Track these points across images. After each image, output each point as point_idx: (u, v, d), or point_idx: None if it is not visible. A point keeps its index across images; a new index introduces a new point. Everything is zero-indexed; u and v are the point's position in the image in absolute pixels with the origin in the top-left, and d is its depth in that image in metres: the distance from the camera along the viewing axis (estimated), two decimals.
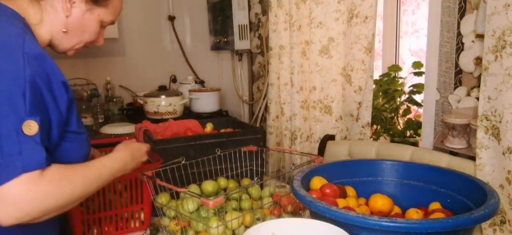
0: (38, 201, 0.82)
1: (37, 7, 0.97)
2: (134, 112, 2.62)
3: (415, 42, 2.04)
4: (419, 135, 1.80)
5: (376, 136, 1.93)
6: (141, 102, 2.54)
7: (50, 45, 1.02)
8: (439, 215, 0.98)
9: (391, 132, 1.89)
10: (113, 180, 1.02)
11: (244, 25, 2.66)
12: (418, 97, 1.83)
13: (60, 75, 0.89)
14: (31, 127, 0.81)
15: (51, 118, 0.87)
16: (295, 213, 1.27)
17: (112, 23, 1.08)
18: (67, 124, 0.93)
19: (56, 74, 0.88)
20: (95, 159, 1.01)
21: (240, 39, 2.66)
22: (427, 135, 1.60)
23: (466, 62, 1.44)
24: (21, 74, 0.82)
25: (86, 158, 1.02)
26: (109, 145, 1.53)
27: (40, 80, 0.84)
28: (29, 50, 0.85)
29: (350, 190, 1.17)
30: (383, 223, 0.81)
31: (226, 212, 1.17)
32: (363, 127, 1.85)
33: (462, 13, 1.44)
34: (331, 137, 1.88)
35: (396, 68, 1.94)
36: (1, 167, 0.78)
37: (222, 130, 1.67)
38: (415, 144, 1.75)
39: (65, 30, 0.99)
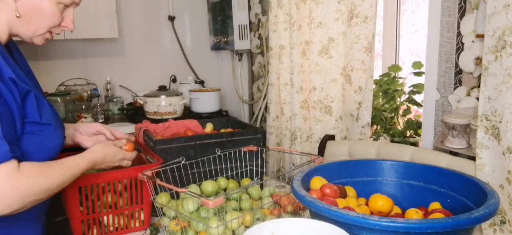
0: (18, 195, 0.87)
1: None
2: (134, 112, 2.62)
3: (415, 42, 2.04)
4: (419, 135, 1.80)
5: (376, 136, 1.93)
6: (141, 102, 2.54)
7: (12, 35, 1.01)
8: (439, 215, 0.98)
9: (391, 132, 1.89)
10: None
11: (244, 25, 2.66)
12: (418, 97, 1.83)
13: (7, 71, 0.89)
14: None
15: (12, 109, 0.89)
16: (295, 213, 1.27)
17: (75, 3, 1.04)
18: (25, 116, 0.94)
19: (4, 66, 0.89)
20: (68, 158, 1.04)
21: (240, 39, 2.66)
22: (427, 135, 1.60)
23: (466, 62, 1.44)
24: None
25: (55, 149, 1.04)
26: None
27: None
28: None
29: (350, 190, 1.17)
30: (383, 223, 0.81)
31: (226, 212, 1.17)
32: (363, 127, 1.85)
33: (462, 13, 1.44)
34: (331, 137, 1.88)
35: (396, 68, 1.94)
36: None
37: (222, 130, 1.67)
38: (415, 144, 1.75)
39: (18, 15, 0.95)
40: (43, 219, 1.13)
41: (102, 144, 1.16)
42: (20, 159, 0.90)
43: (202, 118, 2.08)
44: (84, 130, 1.29)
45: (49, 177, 0.94)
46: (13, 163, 0.86)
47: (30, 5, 0.96)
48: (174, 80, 2.99)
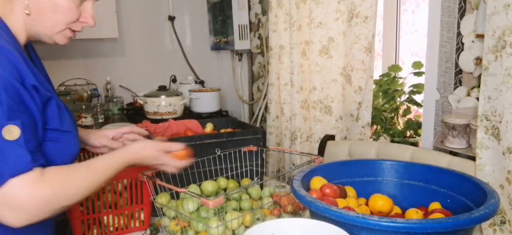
0: (41, 205, 0.83)
1: None
2: (134, 112, 2.62)
3: (415, 42, 2.04)
4: (419, 135, 1.80)
5: (376, 136, 1.93)
6: (141, 102, 2.54)
7: (31, 36, 0.96)
8: (439, 215, 0.98)
9: (391, 132, 1.89)
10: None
11: (244, 25, 2.66)
12: (418, 97, 1.83)
13: (30, 78, 0.85)
14: (12, 132, 0.79)
15: (35, 116, 0.86)
16: (295, 213, 1.27)
17: None
18: (46, 122, 0.91)
19: (25, 72, 0.85)
20: (100, 157, 1.00)
21: (240, 39, 2.66)
22: (427, 135, 1.60)
23: (466, 62, 1.44)
24: None
25: (73, 157, 1.00)
26: None
27: (14, 79, 0.81)
28: None
29: (350, 190, 1.17)
30: (383, 223, 0.81)
31: (226, 212, 1.17)
32: (363, 127, 1.85)
33: (462, 13, 1.44)
34: (331, 137, 1.88)
35: (396, 68, 1.94)
36: None
37: (222, 130, 1.67)
38: (415, 144, 1.75)
39: (27, 12, 0.91)
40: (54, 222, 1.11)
41: (143, 144, 1.08)
42: (45, 166, 0.86)
43: (202, 118, 2.08)
44: (97, 140, 1.24)
45: (75, 183, 0.90)
46: (35, 172, 0.82)
47: (44, 2, 0.91)
48: (174, 80, 2.99)
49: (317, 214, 0.90)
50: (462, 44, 1.45)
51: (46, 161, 0.89)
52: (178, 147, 1.10)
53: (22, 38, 0.94)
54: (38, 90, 0.86)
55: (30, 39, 0.98)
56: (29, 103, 0.84)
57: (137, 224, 1.31)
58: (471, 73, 1.44)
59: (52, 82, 1.10)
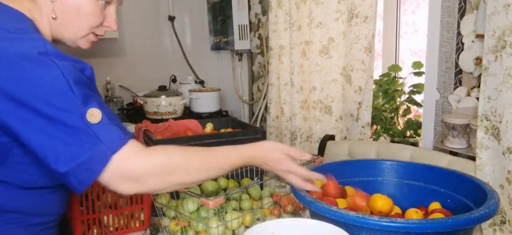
0: (152, 171, 0.84)
1: (32, 2, 0.91)
2: (134, 112, 2.62)
3: (415, 42, 2.04)
4: (419, 135, 1.80)
5: (376, 136, 1.93)
6: (141, 102, 2.54)
7: (56, 40, 0.97)
8: (439, 215, 0.98)
9: (391, 132, 1.89)
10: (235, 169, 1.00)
11: (244, 25, 2.66)
12: (418, 97, 1.83)
13: (88, 68, 0.90)
14: (94, 115, 0.81)
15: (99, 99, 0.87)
16: (295, 213, 1.27)
17: (117, 1, 1.01)
18: None
19: (84, 65, 0.89)
20: (222, 147, 0.98)
21: (240, 39, 2.66)
22: (427, 135, 1.60)
23: (466, 62, 1.44)
24: (57, 72, 0.80)
25: None
26: None
27: (76, 69, 0.84)
28: (51, 48, 0.83)
29: (350, 190, 1.17)
30: (383, 223, 0.81)
31: (226, 212, 1.17)
32: (363, 127, 1.85)
33: (462, 13, 1.44)
34: (331, 137, 1.88)
35: (396, 68, 1.94)
36: (94, 161, 0.79)
37: (222, 130, 1.67)
38: (415, 144, 1.75)
39: (54, 16, 0.92)
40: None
41: (271, 145, 1.04)
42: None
43: (202, 118, 2.08)
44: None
45: (186, 158, 0.89)
46: (133, 143, 0.83)
47: (67, 5, 0.91)
48: (174, 80, 2.99)
49: (317, 214, 0.91)
50: (462, 44, 1.45)
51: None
52: (316, 176, 1.05)
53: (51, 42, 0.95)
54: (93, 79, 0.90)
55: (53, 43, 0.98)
56: (93, 88, 0.88)
57: (137, 224, 1.31)
58: (471, 73, 1.44)
59: None
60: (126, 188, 0.83)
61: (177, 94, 2.52)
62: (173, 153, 0.88)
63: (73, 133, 0.79)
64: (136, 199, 1.29)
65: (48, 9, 0.91)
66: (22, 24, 0.87)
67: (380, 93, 1.94)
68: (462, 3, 1.43)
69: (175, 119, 1.92)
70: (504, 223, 1.25)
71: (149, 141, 1.47)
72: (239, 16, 2.64)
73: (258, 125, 2.69)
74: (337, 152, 1.76)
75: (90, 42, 0.99)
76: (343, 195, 1.14)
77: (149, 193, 0.84)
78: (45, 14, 0.92)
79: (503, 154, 1.20)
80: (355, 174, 1.21)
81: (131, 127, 2.24)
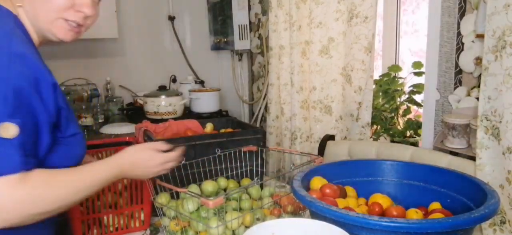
0: (20, 207, 0.81)
1: None
2: (134, 112, 2.62)
3: (415, 42, 2.04)
4: (419, 135, 1.80)
5: (376, 136, 1.93)
6: (141, 102, 2.54)
7: (41, 37, 0.96)
8: (439, 215, 0.98)
9: (391, 132, 1.89)
10: (108, 185, 0.99)
11: (244, 25, 2.66)
12: (418, 97, 1.83)
13: (49, 77, 0.86)
14: (8, 130, 0.78)
15: (39, 121, 0.84)
16: (295, 213, 1.27)
17: None
18: (62, 129, 0.91)
19: (45, 75, 0.85)
20: (88, 164, 0.96)
21: (240, 39, 2.66)
22: (427, 135, 1.60)
23: (466, 62, 1.44)
24: (4, 76, 0.79)
25: (82, 157, 1.00)
26: (109, 145, 1.53)
27: (26, 82, 0.82)
28: (16, 50, 0.82)
29: (350, 190, 1.17)
30: (383, 223, 0.81)
31: (226, 212, 1.17)
32: (363, 127, 1.85)
33: (462, 13, 1.44)
34: (331, 137, 1.88)
35: (396, 68, 1.94)
36: None
37: (222, 130, 1.67)
38: (415, 144, 1.75)
39: (19, 4, 0.90)
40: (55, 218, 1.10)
41: (136, 147, 1.04)
42: (34, 168, 0.85)
43: (202, 118, 2.08)
44: None
45: (58, 187, 0.87)
46: (19, 174, 0.80)
47: None
48: (174, 80, 2.99)
49: (317, 214, 0.90)
50: (462, 44, 1.45)
51: (50, 165, 0.88)
52: (166, 147, 1.07)
53: (34, 38, 0.94)
54: (56, 88, 0.87)
55: (42, 41, 0.97)
56: (37, 106, 0.83)
57: (137, 224, 1.31)
58: (471, 73, 1.44)
59: None
60: None
61: (177, 94, 2.52)
62: (44, 182, 0.84)
63: None
64: (136, 199, 1.29)
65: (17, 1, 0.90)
66: (5, 19, 0.88)
67: (380, 93, 1.94)
68: (462, 3, 1.43)
69: (175, 119, 1.92)
70: (504, 223, 1.25)
71: (149, 141, 1.47)
72: (239, 16, 2.64)
73: (258, 125, 2.69)
74: (337, 152, 1.76)
75: (67, 31, 0.94)
76: (343, 195, 1.14)
77: (8, 226, 0.80)
78: (21, 9, 0.91)
79: (503, 154, 1.20)
80: (355, 174, 1.21)
81: (131, 127, 2.25)
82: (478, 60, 1.39)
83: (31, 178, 0.82)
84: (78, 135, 0.97)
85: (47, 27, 0.93)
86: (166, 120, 1.78)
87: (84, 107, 2.39)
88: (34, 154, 0.85)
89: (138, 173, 1.03)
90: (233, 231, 1.17)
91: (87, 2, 0.94)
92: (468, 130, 1.40)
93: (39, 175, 0.84)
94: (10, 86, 0.79)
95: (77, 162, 0.98)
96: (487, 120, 1.25)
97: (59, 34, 0.94)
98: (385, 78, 1.93)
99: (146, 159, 1.03)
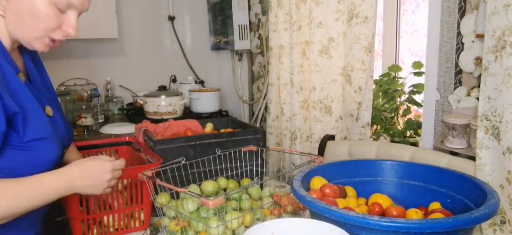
0: None
1: None
2: (134, 112, 2.62)
3: (415, 42, 2.04)
4: (419, 135, 1.80)
5: (376, 136, 1.93)
6: (141, 102, 2.54)
7: (16, 41, 0.97)
8: (439, 215, 0.98)
9: (391, 132, 1.89)
10: (58, 197, 0.96)
11: (244, 25, 2.66)
12: (418, 97, 1.83)
13: None
14: None
15: None
16: (295, 213, 1.27)
17: (73, 6, 0.95)
18: (19, 134, 0.90)
19: None
20: (37, 175, 0.93)
21: (240, 39, 2.66)
22: (427, 135, 1.60)
23: (466, 62, 1.44)
24: None
25: (54, 162, 0.99)
26: (109, 145, 1.53)
27: None
28: None
29: (350, 190, 1.17)
30: (383, 223, 0.81)
31: (226, 212, 1.17)
32: (363, 127, 1.85)
33: (462, 13, 1.44)
34: (331, 137, 1.88)
35: (396, 68, 1.94)
36: None
37: (222, 130, 1.67)
38: (415, 144, 1.75)
39: (2, 14, 0.91)
40: (38, 227, 1.10)
41: (85, 159, 1.02)
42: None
43: (202, 118, 2.08)
44: None
45: (3, 198, 0.85)
46: None
47: (22, 5, 0.90)
48: (174, 80, 2.99)
49: (317, 214, 0.90)
50: (462, 44, 1.45)
51: (10, 168, 0.88)
52: (112, 159, 1.06)
53: (6, 41, 0.94)
54: (2, 98, 0.85)
55: (14, 47, 0.98)
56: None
57: (137, 224, 1.31)
58: (471, 73, 1.44)
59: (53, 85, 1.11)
60: None
61: (177, 94, 2.52)
62: None
63: None
64: (136, 199, 1.29)
65: (2, 6, 0.91)
66: None
67: (380, 93, 1.94)
68: (462, 3, 1.43)
69: (175, 119, 1.92)
70: (504, 223, 1.25)
71: (149, 141, 1.47)
72: (239, 16, 2.64)
73: (258, 125, 2.69)
74: (337, 152, 1.76)
75: (46, 45, 0.96)
76: (343, 195, 1.14)
77: None
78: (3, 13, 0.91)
79: (503, 154, 1.20)
80: (355, 174, 1.21)
81: (131, 127, 2.25)
82: (478, 60, 1.39)
83: None
84: (44, 140, 0.94)
85: (28, 40, 0.95)
86: (166, 120, 1.78)
87: (84, 107, 2.39)
88: None
89: (88, 183, 1.00)
90: (233, 231, 1.17)
91: (73, 24, 0.96)
92: (468, 130, 1.40)
93: None
94: None
95: (47, 168, 0.96)
96: (487, 120, 1.25)
97: (39, 48, 0.97)
98: (385, 78, 1.93)
99: (96, 166, 1.01)
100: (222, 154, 1.40)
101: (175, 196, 1.23)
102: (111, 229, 1.27)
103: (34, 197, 0.90)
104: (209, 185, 1.30)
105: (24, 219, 0.95)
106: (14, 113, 0.89)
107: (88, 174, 0.99)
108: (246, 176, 1.48)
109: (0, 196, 0.85)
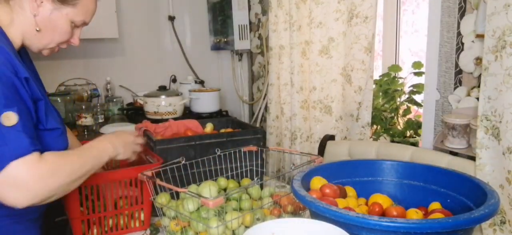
0: (41, 183, 0.90)
1: (7, 8, 1.01)
2: (134, 112, 2.62)
3: (415, 42, 2.04)
4: (419, 135, 1.80)
5: (376, 136, 1.93)
6: (141, 102, 2.54)
7: (24, 45, 1.06)
8: (439, 215, 0.98)
9: (391, 132, 1.89)
10: (106, 162, 1.11)
11: (244, 25, 2.66)
12: (418, 97, 1.83)
13: (22, 69, 0.93)
14: (9, 118, 0.87)
15: (29, 106, 0.94)
16: (295, 213, 1.27)
17: (85, 24, 1.11)
18: (42, 121, 0.99)
19: (19, 67, 0.93)
20: (81, 147, 1.10)
21: (240, 39, 2.66)
22: (427, 135, 1.60)
23: (466, 62, 1.44)
24: None
25: None
26: None
27: (9, 71, 0.89)
28: None
29: (350, 190, 1.17)
30: (383, 223, 0.81)
31: (226, 212, 1.17)
32: (363, 127, 1.85)
33: (462, 13, 1.44)
34: (331, 137, 1.88)
35: (396, 68, 1.94)
36: None
37: (222, 130, 1.67)
38: (415, 144, 1.75)
39: (38, 29, 1.02)
40: (41, 221, 1.16)
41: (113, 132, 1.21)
42: (42, 151, 0.93)
43: (202, 118, 2.08)
44: None
45: (71, 160, 0.99)
46: (34, 155, 0.89)
47: (47, 21, 1.03)
48: (174, 80, 2.99)
49: (317, 214, 0.90)
50: (462, 44, 1.45)
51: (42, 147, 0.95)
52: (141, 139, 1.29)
53: (16, 44, 1.04)
54: (29, 82, 0.94)
55: (22, 46, 1.07)
56: (23, 93, 0.92)
57: (137, 224, 1.31)
58: (471, 73, 1.44)
59: (45, 86, 1.20)
60: (12, 197, 0.88)
61: (177, 94, 2.51)
62: (57, 158, 0.95)
63: None
64: (136, 199, 1.29)
65: (29, 21, 1.01)
66: None
67: (380, 93, 1.94)
68: (462, 3, 1.43)
69: (175, 119, 1.92)
70: (504, 223, 1.25)
71: (149, 141, 1.47)
72: (239, 16, 2.64)
73: (258, 125, 2.69)
74: (337, 152, 1.76)
75: (51, 52, 1.11)
76: (343, 195, 1.14)
77: (37, 201, 0.91)
78: (20, 23, 1.01)
79: (503, 154, 1.20)
80: (355, 174, 1.21)
81: (131, 127, 2.25)
82: (478, 60, 1.39)
83: (45, 155, 0.92)
84: (59, 130, 1.05)
85: (42, 47, 1.07)
86: (166, 120, 1.78)
87: (84, 107, 2.39)
88: (36, 136, 0.94)
89: (120, 141, 1.17)
90: (233, 231, 1.17)
91: (78, 35, 1.12)
92: (468, 130, 1.40)
93: (51, 153, 0.95)
94: (1, 79, 0.87)
95: None
96: (487, 120, 1.25)
97: (46, 54, 1.11)
98: (385, 78, 1.93)
99: (121, 131, 1.23)
100: (222, 154, 1.40)
101: (175, 196, 1.23)
102: (111, 229, 1.27)
103: (91, 161, 1.05)
104: (209, 185, 1.30)
105: (31, 212, 1.05)
106: (39, 99, 0.98)
107: (119, 134, 1.19)
108: (246, 176, 1.48)
109: (69, 161, 0.99)
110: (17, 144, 0.87)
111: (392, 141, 1.85)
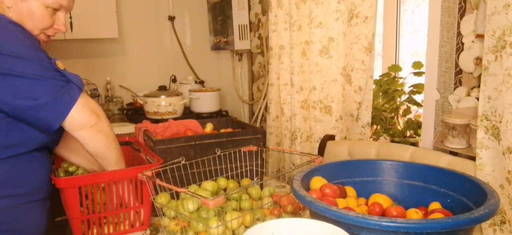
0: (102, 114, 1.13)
1: None
2: (134, 112, 2.62)
3: (415, 42, 2.04)
4: (419, 135, 1.80)
5: (376, 136, 1.93)
6: (141, 102, 2.54)
7: None
8: (439, 215, 0.98)
9: (391, 132, 1.89)
10: None
11: (244, 25, 2.66)
12: (418, 97, 1.83)
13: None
14: (59, 64, 1.06)
15: None
16: (295, 213, 1.27)
17: (64, 7, 1.15)
18: None
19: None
20: None
21: (240, 39, 2.66)
22: (427, 135, 1.60)
23: (466, 62, 1.44)
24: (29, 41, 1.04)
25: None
26: None
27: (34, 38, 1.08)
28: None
29: (350, 190, 1.17)
30: (383, 223, 0.81)
31: (226, 212, 1.17)
32: (363, 127, 1.85)
33: (462, 13, 1.44)
34: (331, 137, 1.88)
35: (396, 68, 1.94)
36: (66, 95, 1.04)
37: (222, 130, 1.67)
38: (415, 144, 1.75)
39: (17, 19, 1.09)
40: (48, 203, 1.21)
41: None
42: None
43: (202, 118, 2.08)
44: None
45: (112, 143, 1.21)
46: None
47: (22, 9, 1.09)
48: (174, 80, 2.99)
49: (317, 214, 0.90)
50: (462, 44, 1.45)
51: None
52: None
53: None
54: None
55: None
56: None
57: (137, 224, 1.31)
58: (471, 73, 1.44)
59: None
60: (87, 125, 1.07)
61: (177, 94, 2.52)
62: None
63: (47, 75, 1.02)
64: (136, 199, 1.29)
65: (7, 14, 1.09)
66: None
67: (380, 93, 1.94)
68: (462, 3, 1.43)
69: (175, 119, 1.92)
70: (504, 223, 1.25)
71: (149, 141, 1.47)
72: (239, 16, 2.64)
73: (258, 125, 2.69)
74: (337, 152, 1.76)
75: (42, 42, 1.16)
76: (343, 195, 1.13)
77: (100, 141, 1.12)
78: (5, 13, 1.09)
79: (503, 154, 1.20)
80: (355, 174, 1.21)
81: (131, 127, 2.25)
82: (478, 60, 1.39)
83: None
84: None
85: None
86: (166, 120, 1.78)
87: None
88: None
89: None
90: (233, 231, 1.17)
91: (62, 22, 1.18)
92: (468, 130, 1.40)
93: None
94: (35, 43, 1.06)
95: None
96: (487, 120, 1.25)
97: (43, 39, 1.17)
98: (385, 78, 1.93)
99: None
100: (222, 154, 1.40)
101: (175, 196, 1.23)
102: (111, 229, 1.27)
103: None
104: (209, 185, 1.30)
105: (39, 192, 1.14)
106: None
107: None
108: (246, 176, 1.48)
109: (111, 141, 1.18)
110: (78, 79, 1.08)
111: (392, 141, 1.85)
